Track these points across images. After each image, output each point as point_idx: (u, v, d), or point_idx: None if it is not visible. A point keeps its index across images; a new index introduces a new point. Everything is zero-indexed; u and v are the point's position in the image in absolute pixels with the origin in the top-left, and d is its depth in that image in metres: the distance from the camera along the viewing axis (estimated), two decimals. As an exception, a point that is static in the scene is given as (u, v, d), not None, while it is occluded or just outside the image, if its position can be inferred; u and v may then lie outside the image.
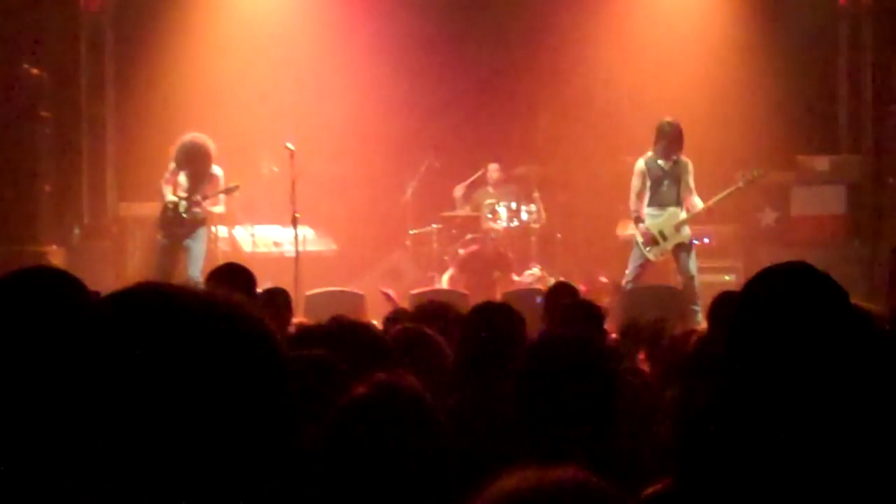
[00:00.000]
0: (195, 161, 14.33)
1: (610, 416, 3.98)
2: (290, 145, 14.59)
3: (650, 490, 3.24)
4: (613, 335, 8.21)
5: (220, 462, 1.73)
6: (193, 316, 1.80)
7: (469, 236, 16.86)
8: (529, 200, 16.88)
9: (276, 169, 16.37)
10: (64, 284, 3.30)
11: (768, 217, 16.82)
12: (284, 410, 1.83)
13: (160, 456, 1.70)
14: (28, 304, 3.06)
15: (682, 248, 14.20)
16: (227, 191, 14.46)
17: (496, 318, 5.54)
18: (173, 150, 14.44)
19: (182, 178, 14.46)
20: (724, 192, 14.48)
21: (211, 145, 14.39)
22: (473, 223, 16.97)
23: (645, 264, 14.37)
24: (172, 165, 14.49)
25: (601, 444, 3.88)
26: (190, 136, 14.43)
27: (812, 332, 3.08)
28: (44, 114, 16.12)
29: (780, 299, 3.13)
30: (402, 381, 3.55)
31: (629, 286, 14.24)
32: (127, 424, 1.70)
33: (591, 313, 7.34)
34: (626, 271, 14.47)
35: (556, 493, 1.81)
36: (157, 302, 1.82)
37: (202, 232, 14.52)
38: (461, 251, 16.81)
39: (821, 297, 3.13)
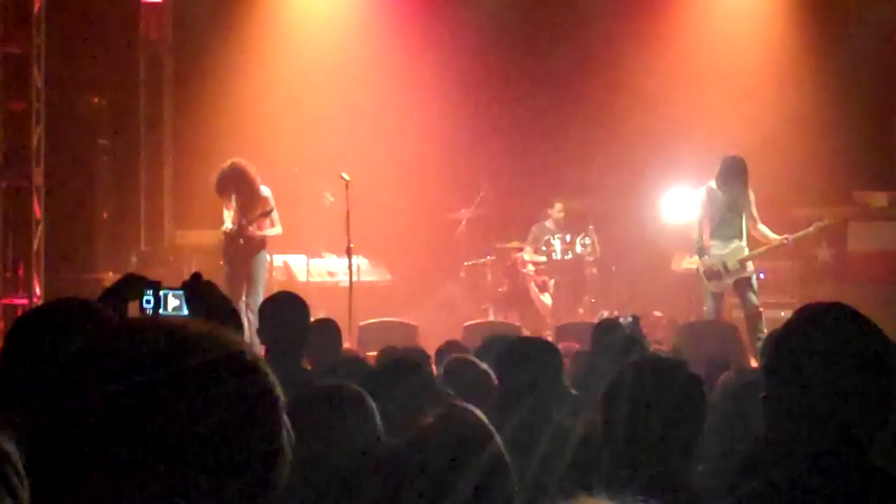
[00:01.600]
0: (239, 186, 14.27)
1: (694, 443, 3.94)
2: (345, 175, 14.62)
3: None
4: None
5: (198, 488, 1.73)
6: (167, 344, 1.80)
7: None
8: (584, 234, 16.85)
9: (331, 199, 16.41)
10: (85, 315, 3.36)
11: (825, 253, 16.71)
12: (265, 435, 1.82)
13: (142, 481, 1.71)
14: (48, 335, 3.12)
15: (745, 283, 13.99)
16: (266, 214, 14.34)
17: (530, 352, 5.58)
18: (213, 179, 14.41)
19: (234, 204, 14.45)
20: (799, 233, 14.24)
21: (251, 168, 14.35)
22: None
23: (720, 297, 14.21)
24: (215, 190, 14.43)
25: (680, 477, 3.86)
26: (228, 162, 14.39)
27: (844, 375, 3.07)
28: (102, 142, 16.29)
29: (814, 342, 3.12)
30: (465, 412, 3.57)
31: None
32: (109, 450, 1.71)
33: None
34: (704, 307, 14.29)
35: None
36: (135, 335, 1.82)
37: (261, 258, 14.46)
38: (500, 289, 16.86)
39: (857, 339, 3.11)
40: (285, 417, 1.87)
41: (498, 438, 3.50)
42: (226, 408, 1.77)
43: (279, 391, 1.86)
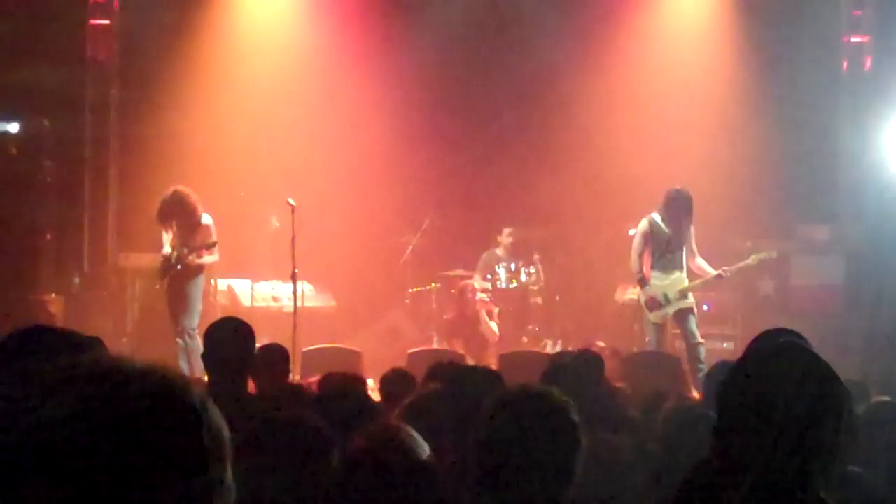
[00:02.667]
0: (181, 213, 14.33)
1: (570, 473, 3.90)
2: (291, 201, 14.59)
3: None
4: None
5: None
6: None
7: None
8: (529, 262, 16.90)
9: (277, 224, 16.38)
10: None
11: (767, 285, 16.82)
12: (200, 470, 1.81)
13: None
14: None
15: (686, 314, 14.09)
16: (207, 247, 14.40)
17: (470, 380, 5.61)
18: (156, 206, 14.43)
19: (175, 230, 14.46)
20: (737, 266, 14.37)
21: (193, 196, 14.38)
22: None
23: (663, 328, 14.29)
24: (157, 215, 14.44)
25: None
26: (171, 189, 14.42)
27: (795, 408, 3.11)
28: (46, 163, 16.17)
29: (766, 375, 3.16)
30: (398, 433, 3.56)
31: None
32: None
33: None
34: (647, 338, 14.37)
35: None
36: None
37: (198, 282, 14.49)
38: (445, 317, 16.87)
39: (807, 373, 3.16)
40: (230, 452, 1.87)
41: (428, 455, 3.49)
42: (169, 449, 1.76)
43: (225, 430, 1.86)
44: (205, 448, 1.81)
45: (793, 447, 3.09)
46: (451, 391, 5.61)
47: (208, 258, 14.52)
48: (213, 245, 14.39)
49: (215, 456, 1.83)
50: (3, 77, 15.16)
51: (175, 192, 14.33)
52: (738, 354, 3.50)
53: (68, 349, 3.27)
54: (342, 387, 5.55)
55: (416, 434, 3.63)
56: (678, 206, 13.98)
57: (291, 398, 5.70)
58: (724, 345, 15.52)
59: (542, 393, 4.03)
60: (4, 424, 1.74)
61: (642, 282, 14.19)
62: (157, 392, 1.80)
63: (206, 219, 14.42)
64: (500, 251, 17.20)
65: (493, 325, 16.47)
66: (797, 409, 3.10)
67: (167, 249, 14.41)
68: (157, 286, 14.84)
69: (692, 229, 14.21)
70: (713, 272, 14.17)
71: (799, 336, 3.32)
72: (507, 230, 17.27)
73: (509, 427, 3.85)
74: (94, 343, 3.48)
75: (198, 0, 18.03)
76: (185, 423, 1.81)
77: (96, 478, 1.71)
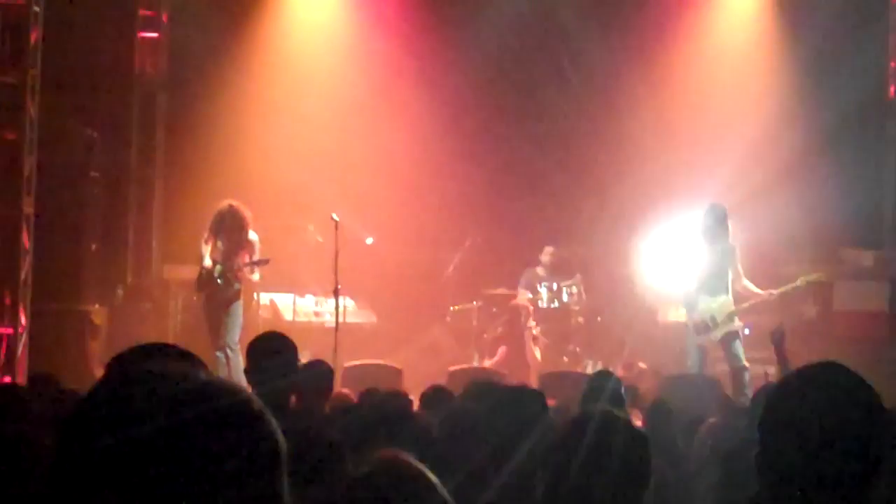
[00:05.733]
0: (231, 228, 14.36)
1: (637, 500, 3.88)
2: (335, 216, 14.62)
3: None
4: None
5: None
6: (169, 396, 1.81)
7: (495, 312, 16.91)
8: (571, 282, 16.86)
9: (320, 239, 16.41)
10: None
11: (810, 310, 16.73)
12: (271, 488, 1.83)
13: None
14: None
15: (732, 337, 13.96)
16: (258, 263, 14.43)
17: (517, 400, 5.59)
18: (210, 217, 14.49)
19: (220, 243, 14.49)
20: (785, 288, 14.25)
21: (247, 213, 14.42)
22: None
23: (705, 350, 14.19)
24: (209, 227, 14.52)
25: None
26: (227, 203, 14.46)
27: (839, 436, 3.10)
28: (93, 174, 16.28)
29: (809, 401, 3.15)
30: (403, 460, 3.54)
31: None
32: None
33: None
34: (689, 362, 14.27)
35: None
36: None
37: (239, 301, 14.51)
38: (486, 335, 16.88)
39: (852, 399, 3.15)
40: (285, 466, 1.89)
41: (441, 490, 3.48)
42: (229, 457, 1.78)
43: (282, 440, 1.88)
44: (272, 457, 1.84)
45: (832, 470, 3.08)
46: (492, 410, 5.60)
47: (252, 276, 14.55)
48: (266, 262, 14.41)
49: (278, 466, 1.85)
50: (53, 88, 15.25)
51: (230, 206, 14.37)
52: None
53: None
54: (384, 402, 5.54)
55: (419, 466, 3.58)
56: (714, 221, 13.89)
57: (333, 414, 5.71)
58: (767, 369, 15.42)
59: (620, 420, 3.99)
60: (89, 439, 1.77)
61: (690, 306, 14.09)
62: (227, 405, 1.82)
63: (252, 236, 14.46)
64: (540, 270, 17.16)
65: (537, 352, 16.46)
66: (836, 429, 3.09)
67: (208, 262, 14.43)
68: (195, 298, 14.90)
69: (737, 251, 14.12)
70: (761, 293, 14.05)
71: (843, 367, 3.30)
72: (548, 249, 17.23)
73: (583, 451, 3.81)
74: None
75: (246, 14, 18.14)
76: (253, 433, 1.83)
77: (168, 492, 1.73)
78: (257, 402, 1.86)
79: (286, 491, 1.87)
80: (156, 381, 1.85)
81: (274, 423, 1.87)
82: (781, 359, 9.85)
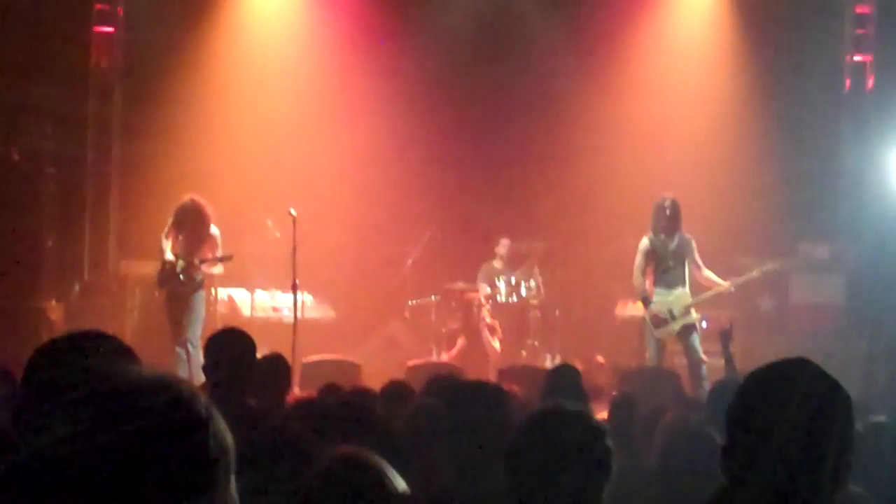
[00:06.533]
0: (193, 223, 14.35)
1: (598, 500, 3.88)
2: (293, 211, 14.57)
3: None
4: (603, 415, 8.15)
5: None
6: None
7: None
8: (529, 276, 16.88)
9: (278, 234, 16.37)
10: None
11: (767, 303, 16.81)
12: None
13: None
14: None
15: (690, 330, 14.05)
16: (221, 259, 14.44)
17: (471, 396, 5.57)
18: (172, 211, 14.47)
19: (181, 238, 14.47)
20: (744, 278, 14.31)
21: (209, 208, 14.41)
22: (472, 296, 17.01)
23: (664, 344, 14.26)
24: (171, 221, 14.51)
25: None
26: (188, 197, 14.44)
27: (809, 428, 3.12)
28: (49, 169, 16.17)
29: (778, 395, 3.17)
30: (361, 454, 3.53)
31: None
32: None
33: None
34: (647, 354, 14.32)
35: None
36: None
37: (201, 294, 14.50)
38: (444, 329, 16.89)
39: (819, 394, 3.17)
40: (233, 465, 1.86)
41: (400, 484, 3.46)
42: (175, 459, 1.76)
43: (230, 440, 1.85)
44: (211, 459, 1.81)
45: (800, 463, 3.10)
46: (451, 406, 5.59)
47: (214, 270, 14.55)
48: (230, 258, 14.41)
49: (221, 467, 1.82)
50: (6, 83, 15.16)
51: (192, 200, 14.36)
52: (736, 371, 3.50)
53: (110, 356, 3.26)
54: (350, 400, 5.53)
55: (378, 460, 3.57)
56: (667, 215, 13.96)
57: (293, 411, 5.69)
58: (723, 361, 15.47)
59: (579, 415, 3.98)
60: (19, 443, 1.74)
61: (646, 300, 14.15)
62: (165, 402, 1.79)
63: (214, 230, 14.45)
64: (497, 263, 17.17)
65: (496, 343, 16.48)
66: (805, 424, 3.11)
67: (169, 256, 14.41)
68: (157, 293, 14.84)
69: (693, 243, 14.19)
70: (723, 283, 14.10)
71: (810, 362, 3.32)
72: (503, 241, 17.23)
73: (543, 446, 3.81)
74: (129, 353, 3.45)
75: (203, 8, 18.05)
76: (192, 434, 1.80)
77: (105, 492, 1.71)
78: (203, 402, 1.83)
79: (232, 494, 1.84)
80: (102, 383, 1.82)
81: (221, 423, 1.84)
82: (727, 357, 10.19)
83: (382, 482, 3.42)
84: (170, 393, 1.82)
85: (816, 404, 3.14)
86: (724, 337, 10.53)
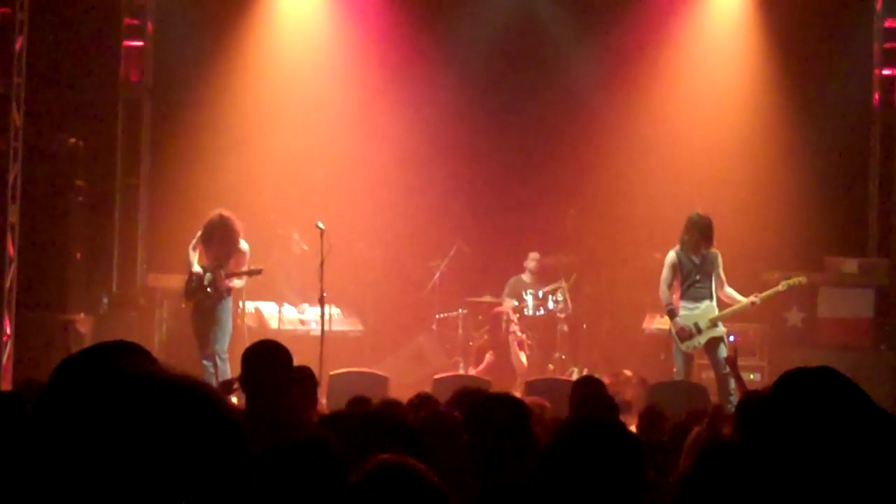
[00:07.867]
0: (222, 238, 14.41)
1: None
2: (320, 224, 14.62)
3: None
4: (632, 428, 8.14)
5: None
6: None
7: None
8: (557, 290, 16.88)
9: (306, 247, 16.42)
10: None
11: (795, 317, 16.75)
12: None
13: None
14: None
15: (716, 343, 14.05)
16: (250, 273, 14.54)
17: (499, 410, 5.56)
18: (201, 226, 14.55)
19: (210, 252, 14.53)
20: (767, 293, 14.31)
21: (238, 223, 14.47)
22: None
23: (691, 357, 14.25)
24: (199, 235, 14.57)
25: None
26: (217, 212, 14.50)
27: (837, 439, 3.10)
28: (78, 182, 16.23)
29: (806, 405, 3.15)
30: (405, 461, 3.54)
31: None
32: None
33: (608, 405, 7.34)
34: (675, 368, 14.32)
35: None
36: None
37: (228, 305, 14.56)
38: (471, 343, 16.90)
39: (847, 404, 3.15)
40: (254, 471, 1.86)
41: (443, 489, 3.46)
42: (194, 457, 1.76)
43: (247, 446, 1.85)
44: (243, 464, 1.81)
45: (831, 476, 3.08)
46: (474, 419, 5.59)
47: (236, 283, 14.62)
48: (259, 272, 14.51)
49: (243, 471, 1.82)
50: (38, 97, 15.23)
51: (220, 216, 14.43)
52: (765, 385, 3.49)
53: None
54: (380, 411, 5.53)
55: (423, 467, 3.58)
56: (698, 230, 13.98)
57: (322, 423, 5.69)
58: (752, 376, 15.43)
59: (614, 427, 3.95)
60: (49, 449, 1.74)
61: (672, 313, 14.14)
62: (192, 408, 1.80)
63: (243, 245, 14.51)
64: (525, 277, 17.21)
65: (523, 357, 16.47)
66: (835, 436, 3.09)
67: (197, 268, 14.48)
68: (183, 306, 14.90)
69: (719, 259, 14.19)
70: (744, 300, 14.12)
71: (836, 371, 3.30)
72: (532, 255, 17.32)
73: (576, 459, 3.74)
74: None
75: (231, 22, 18.10)
76: (220, 438, 1.81)
77: (132, 495, 1.71)
78: (227, 405, 1.83)
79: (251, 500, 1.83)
80: (113, 381, 1.82)
81: (241, 427, 1.84)
82: (736, 375, 10.43)
83: (428, 486, 3.43)
84: (199, 397, 1.82)
85: (845, 414, 3.13)
86: (731, 358, 10.89)
